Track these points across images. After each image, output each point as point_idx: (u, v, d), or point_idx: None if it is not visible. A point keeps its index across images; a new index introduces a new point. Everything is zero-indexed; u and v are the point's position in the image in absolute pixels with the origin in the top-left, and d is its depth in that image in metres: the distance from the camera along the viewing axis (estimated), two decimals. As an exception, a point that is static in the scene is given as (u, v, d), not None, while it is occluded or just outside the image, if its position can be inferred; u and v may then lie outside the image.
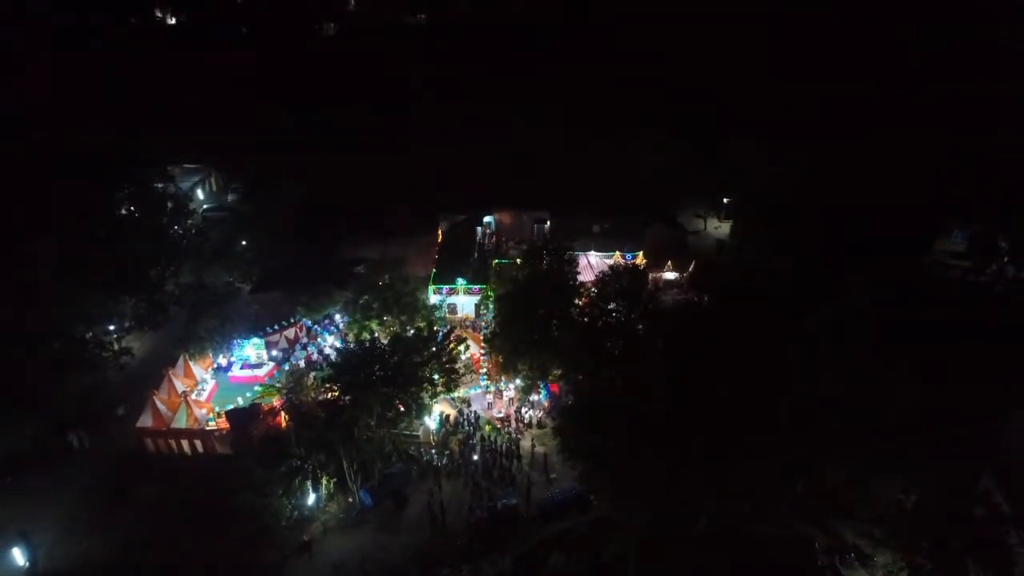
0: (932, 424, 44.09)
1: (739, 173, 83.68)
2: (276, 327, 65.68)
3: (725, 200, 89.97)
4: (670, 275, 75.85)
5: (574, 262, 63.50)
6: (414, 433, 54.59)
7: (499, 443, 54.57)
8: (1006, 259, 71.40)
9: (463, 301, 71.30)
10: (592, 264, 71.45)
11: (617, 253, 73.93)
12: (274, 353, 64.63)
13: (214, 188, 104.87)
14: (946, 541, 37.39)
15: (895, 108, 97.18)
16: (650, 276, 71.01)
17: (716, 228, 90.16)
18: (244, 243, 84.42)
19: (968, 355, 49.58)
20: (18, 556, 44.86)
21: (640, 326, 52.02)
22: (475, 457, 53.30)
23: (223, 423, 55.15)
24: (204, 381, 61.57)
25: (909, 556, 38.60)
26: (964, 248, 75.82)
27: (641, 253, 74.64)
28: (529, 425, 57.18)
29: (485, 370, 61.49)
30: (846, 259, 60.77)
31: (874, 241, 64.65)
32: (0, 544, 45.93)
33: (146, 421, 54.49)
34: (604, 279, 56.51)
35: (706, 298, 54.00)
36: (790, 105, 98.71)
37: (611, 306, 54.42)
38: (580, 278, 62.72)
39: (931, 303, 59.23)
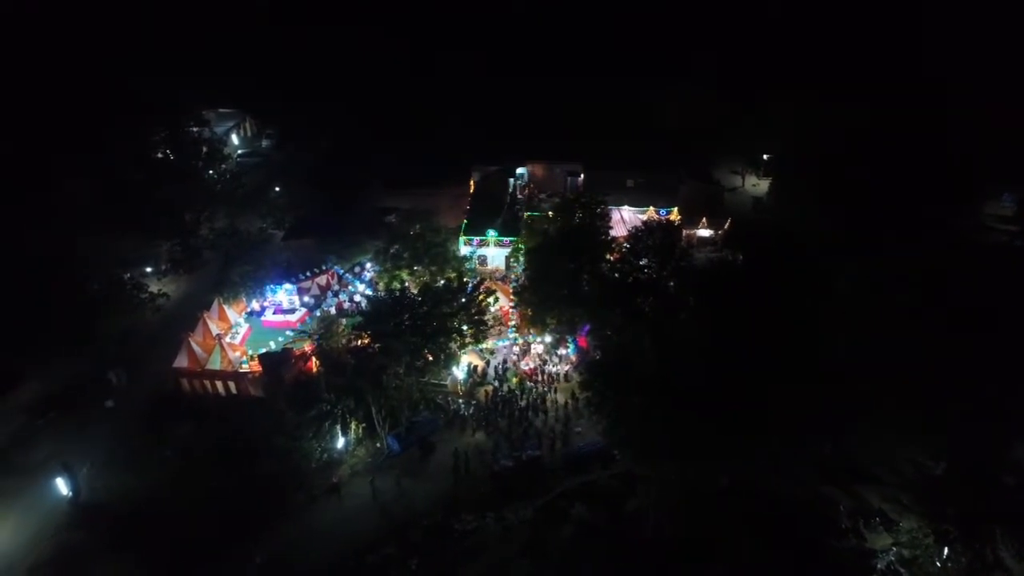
0: (965, 390, 43.10)
1: (780, 127, 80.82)
2: (308, 274, 66.32)
3: (765, 157, 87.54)
4: (704, 232, 74.56)
5: (606, 216, 62.74)
6: (442, 382, 55.22)
7: (526, 395, 54.91)
8: (1057, 225, 68.85)
9: (493, 253, 71.09)
10: (625, 219, 70.44)
11: (651, 208, 72.73)
12: (306, 299, 65.36)
13: (248, 133, 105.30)
14: (974, 509, 36.97)
15: (950, 62, 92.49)
16: (684, 233, 69.90)
17: (754, 186, 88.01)
18: (277, 189, 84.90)
19: (1007, 321, 48.17)
20: (62, 486, 46.93)
21: (672, 283, 51.39)
22: (501, 408, 53.76)
23: (256, 366, 56.26)
24: (238, 325, 62.68)
25: (935, 523, 38.27)
26: (1013, 212, 73.09)
27: (676, 209, 73.34)
28: (555, 379, 57.27)
29: (514, 323, 61.56)
30: (886, 219, 58.98)
31: (917, 201, 62.49)
32: (45, 474, 48.04)
33: (182, 362, 55.84)
34: (637, 234, 55.73)
35: (740, 257, 52.95)
36: (836, 53, 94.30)
37: (643, 262, 53.77)
38: (612, 233, 62.08)
39: (972, 266, 57.41)
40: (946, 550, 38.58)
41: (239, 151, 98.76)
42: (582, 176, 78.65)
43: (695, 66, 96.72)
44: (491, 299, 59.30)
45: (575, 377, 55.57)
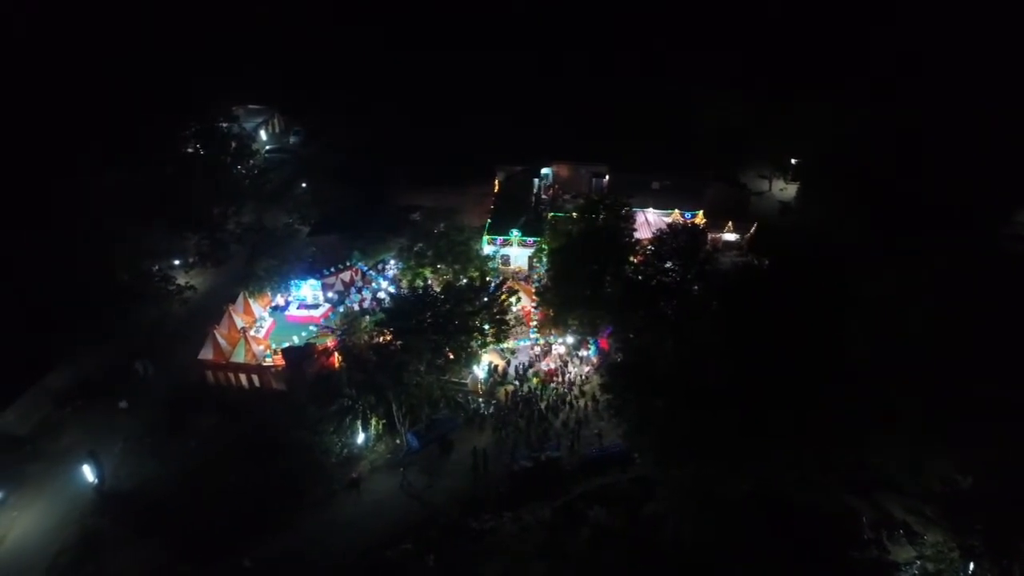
0: (994, 402, 42.22)
1: (812, 130, 79.55)
2: (332, 270, 66.87)
3: (793, 161, 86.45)
4: (730, 236, 73.84)
5: (631, 218, 62.42)
6: (462, 381, 55.32)
7: (546, 396, 54.82)
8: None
9: (517, 253, 71.01)
10: (650, 221, 70.01)
11: (676, 211, 72.19)
12: (330, 295, 65.93)
13: (276, 130, 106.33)
14: (1002, 524, 36.22)
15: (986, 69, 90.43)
16: (709, 236, 69.32)
17: (782, 190, 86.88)
18: (304, 185, 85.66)
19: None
20: (88, 473, 47.78)
21: (696, 287, 51.01)
22: (521, 408, 53.71)
23: (279, 360, 56.81)
24: (262, 319, 63.38)
25: (961, 537, 37.54)
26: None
27: (701, 212, 72.73)
28: (576, 384, 57.04)
29: (536, 323, 61.48)
30: (915, 225, 58.03)
31: (947, 208, 61.36)
32: (72, 461, 48.94)
33: (207, 354, 56.57)
34: (661, 237, 55.40)
35: (766, 262, 52.34)
36: (871, 54, 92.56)
37: (667, 265, 53.44)
38: (636, 235, 61.75)
39: (1002, 276, 56.28)
40: (971, 565, 37.86)
41: (267, 147, 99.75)
42: (607, 177, 78.29)
43: (721, 68, 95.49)
44: (513, 299, 59.34)
45: (595, 379, 55.40)
